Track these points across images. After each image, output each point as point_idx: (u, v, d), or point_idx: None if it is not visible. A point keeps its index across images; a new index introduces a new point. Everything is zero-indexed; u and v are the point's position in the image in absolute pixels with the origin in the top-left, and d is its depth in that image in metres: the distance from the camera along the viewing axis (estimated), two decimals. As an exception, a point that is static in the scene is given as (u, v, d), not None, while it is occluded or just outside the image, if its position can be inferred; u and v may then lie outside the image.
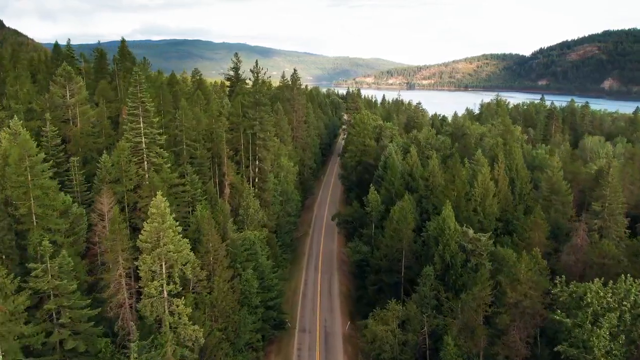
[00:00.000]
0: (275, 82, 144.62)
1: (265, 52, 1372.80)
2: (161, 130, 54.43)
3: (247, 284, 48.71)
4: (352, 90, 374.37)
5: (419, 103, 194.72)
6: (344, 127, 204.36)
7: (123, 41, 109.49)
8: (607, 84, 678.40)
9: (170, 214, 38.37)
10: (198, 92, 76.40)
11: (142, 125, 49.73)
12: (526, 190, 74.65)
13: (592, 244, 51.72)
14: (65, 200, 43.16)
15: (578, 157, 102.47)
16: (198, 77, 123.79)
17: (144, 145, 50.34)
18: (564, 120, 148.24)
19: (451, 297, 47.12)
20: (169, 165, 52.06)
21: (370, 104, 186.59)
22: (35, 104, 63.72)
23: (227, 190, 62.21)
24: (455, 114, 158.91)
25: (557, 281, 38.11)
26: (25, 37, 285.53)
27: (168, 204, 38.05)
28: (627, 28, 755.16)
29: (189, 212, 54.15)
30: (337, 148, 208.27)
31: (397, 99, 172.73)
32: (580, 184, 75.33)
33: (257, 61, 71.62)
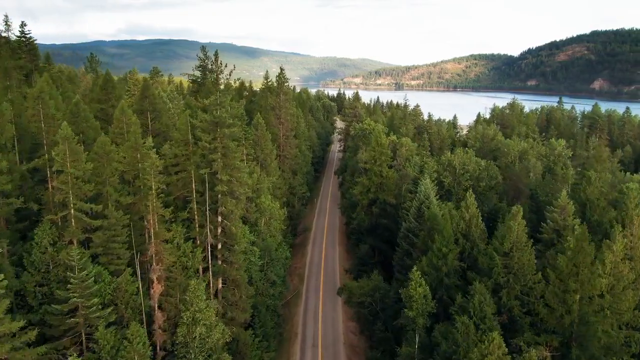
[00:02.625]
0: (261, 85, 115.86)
1: (252, 53, 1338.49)
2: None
3: None
4: (344, 92, 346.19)
5: (417, 105, 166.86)
6: (338, 134, 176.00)
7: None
8: (597, 84, 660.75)
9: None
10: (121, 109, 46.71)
11: None
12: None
13: None
14: None
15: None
16: (158, 78, 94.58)
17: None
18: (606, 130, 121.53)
19: None
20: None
21: (369, 109, 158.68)
22: None
23: (156, 288, 33.52)
24: (480, 118, 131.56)
25: None
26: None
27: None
28: (614, 28, 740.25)
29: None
30: (330, 158, 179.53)
31: (404, 102, 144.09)
32: None
33: (217, 52, 42.68)
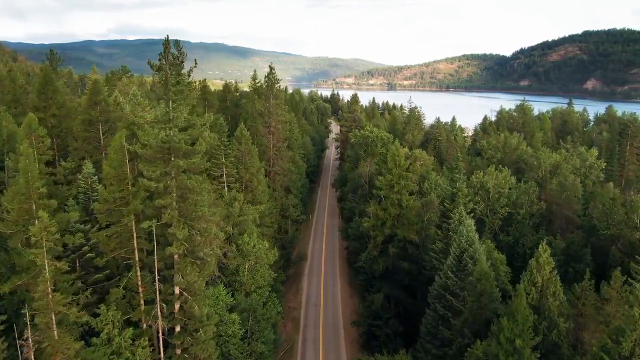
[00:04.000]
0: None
1: (244, 52, 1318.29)
2: None
3: None
4: (337, 92, 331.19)
5: (416, 107, 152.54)
6: (334, 140, 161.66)
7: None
8: (590, 84, 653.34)
9: None
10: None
11: None
12: None
13: None
14: None
15: None
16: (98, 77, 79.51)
17: None
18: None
19: None
20: None
21: (367, 112, 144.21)
22: None
23: None
24: (486, 121, 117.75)
25: None
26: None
27: None
28: (606, 28, 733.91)
29: None
30: (326, 165, 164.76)
31: (409, 105, 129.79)
32: None
33: (167, 38, 28.07)
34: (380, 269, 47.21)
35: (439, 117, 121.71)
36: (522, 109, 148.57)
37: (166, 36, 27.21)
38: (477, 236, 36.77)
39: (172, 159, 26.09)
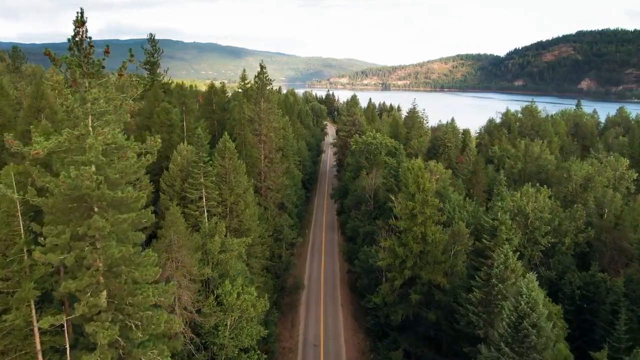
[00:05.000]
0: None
1: (237, 52, 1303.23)
2: None
3: None
4: (332, 92, 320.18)
5: (417, 110, 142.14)
6: (332, 146, 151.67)
7: None
8: (584, 84, 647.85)
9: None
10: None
11: None
12: None
13: None
14: None
15: None
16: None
17: None
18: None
19: None
20: None
21: (368, 115, 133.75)
22: None
23: None
24: (491, 124, 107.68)
25: None
26: None
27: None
28: (599, 29, 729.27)
29: None
30: (322, 170, 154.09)
31: (412, 108, 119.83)
32: None
33: (81, 10, 17.92)
34: (399, 319, 36.99)
35: (449, 119, 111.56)
36: (529, 111, 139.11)
37: (80, 8, 16.60)
38: (541, 296, 26.70)
39: (92, 212, 15.68)
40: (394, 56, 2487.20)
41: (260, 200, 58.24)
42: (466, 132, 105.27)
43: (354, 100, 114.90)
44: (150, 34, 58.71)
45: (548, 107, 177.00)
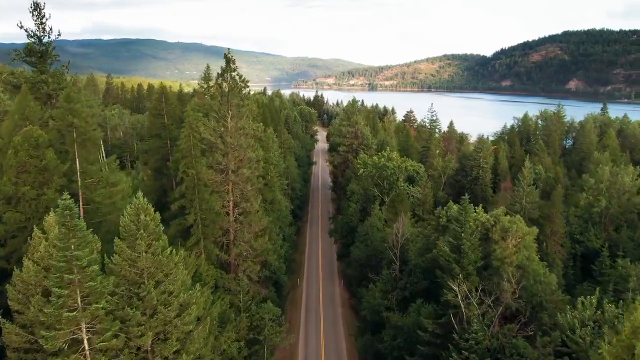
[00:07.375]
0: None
1: (222, 53, 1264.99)
2: None
3: None
4: (321, 94, 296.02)
5: (436, 119, 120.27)
6: (328, 165, 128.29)
7: None
8: (572, 84, 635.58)
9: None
10: None
11: None
12: None
13: None
14: None
15: None
16: None
17: None
18: None
19: None
20: None
21: (368, 120, 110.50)
22: None
23: None
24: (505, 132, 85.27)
25: None
26: None
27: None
28: (585, 29, 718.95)
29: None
30: (314, 186, 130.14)
31: (430, 115, 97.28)
32: None
33: None
34: None
35: (465, 132, 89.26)
36: (557, 117, 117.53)
37: None
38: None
39: None
40: (380, 56, 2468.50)
41: (227, 280, 34.81)
42: (495, 145, 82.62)
43: (354, 106, 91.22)
44: (35, 2, 34.66)
45: (535, 108, 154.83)
